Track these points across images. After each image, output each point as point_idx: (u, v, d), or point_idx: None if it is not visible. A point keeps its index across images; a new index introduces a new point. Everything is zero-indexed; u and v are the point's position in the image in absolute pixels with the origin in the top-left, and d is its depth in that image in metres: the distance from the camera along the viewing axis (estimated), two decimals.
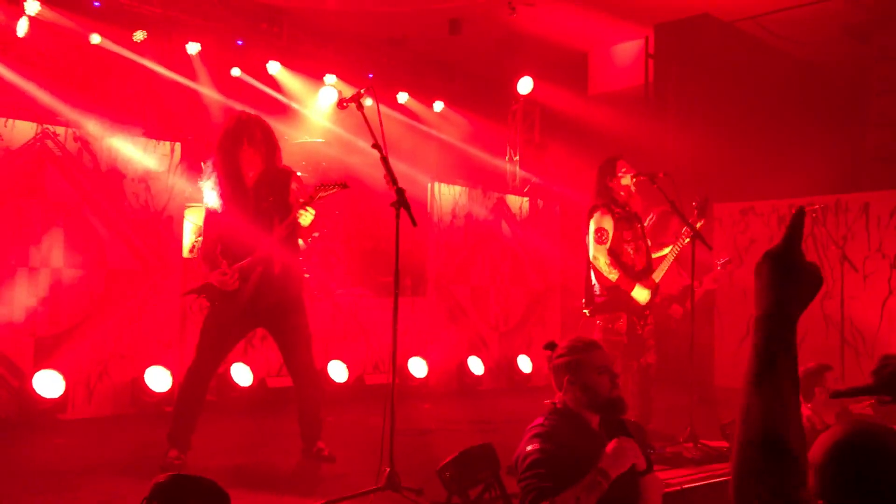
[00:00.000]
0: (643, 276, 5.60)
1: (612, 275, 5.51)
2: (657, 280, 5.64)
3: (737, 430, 1.29)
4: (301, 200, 4.63)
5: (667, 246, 5.92)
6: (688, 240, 5.57)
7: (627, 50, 10.94)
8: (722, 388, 8.60)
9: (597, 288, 5.61)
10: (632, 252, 5.62)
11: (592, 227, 5.59)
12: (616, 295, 5.52)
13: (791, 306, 1.34)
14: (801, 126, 10.00)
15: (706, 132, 9.41)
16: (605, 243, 5.54)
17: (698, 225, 5.61)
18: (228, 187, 4.71)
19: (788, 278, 1.34)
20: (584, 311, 5.72)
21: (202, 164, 4.92)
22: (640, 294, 5.51)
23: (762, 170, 9.40)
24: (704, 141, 9.30)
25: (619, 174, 5.63)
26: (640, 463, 2.93)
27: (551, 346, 3.20)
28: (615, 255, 5.56)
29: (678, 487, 4.42)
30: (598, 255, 5.55)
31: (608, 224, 5.55)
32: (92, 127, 6.41)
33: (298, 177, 4.92)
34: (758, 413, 1.26)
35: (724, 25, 9.90)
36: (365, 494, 3.93)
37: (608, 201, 5.62)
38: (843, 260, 7.03)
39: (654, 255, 5.88)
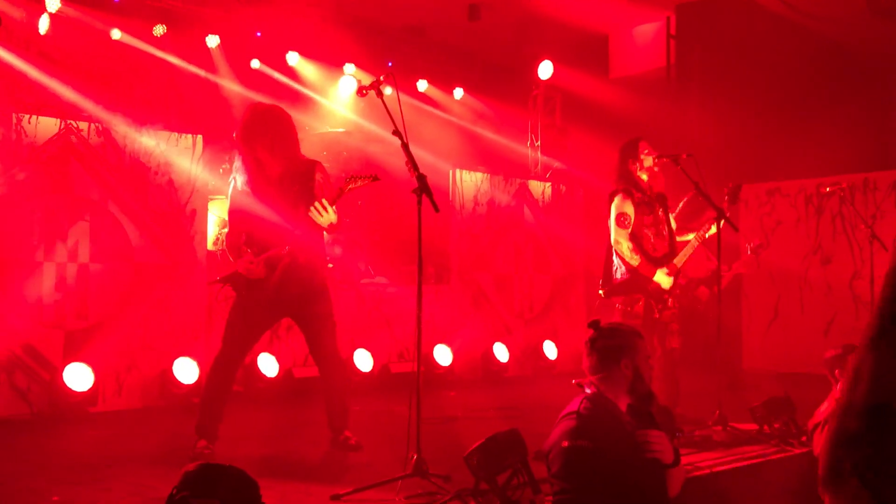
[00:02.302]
0: (664, 262, 5.54)
1: (634, 260, 5.48)
2: (679, 265, 5.57)
3: (842, 392, 1.16)
4: (332, 192, 4.61)
5: (694, 231, 5.84)
6: (714, 229, 5.51)
7: (648, 31, 10.80)
8: (750, 371, 8.53)
9: (618, 271, 5.57)
10: (652, 237, 5.58)
11: (614, 212, 5.56)
12: (636, 277, 5.48)
13: None
14: (827, 105, 9.84)
15: (730, 113, 9.28)
16: (628, 228, 5.50)
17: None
18: (253, 178, 4.73)
19: None
20: (599, 291, 5.71)
21: (228, 156, 4.93)
22: (663, 279, 5.46)
23: (788, 150, 9.27)
24: (729, 122, 9.18)
25: (642, 155, 5.58)
26: (668, 456, 2.91)
27: (596, 324, 3.15)
28: (636, 240, 5.52)
29: (707, 471, 4.39)
30: (621, 240, 5.51)
31: (629, 209, 5.51)
32: (115, 121, 6.46)
33: (324, 167, 4.92)
34: (868, 374, 1.11)
35: (747, 3, 9.75)
36: (393, 481, 3.94)
37: (629, 186, 5.58)
38: (872, 239, 6.91)
39: (680, 239, 5.81)
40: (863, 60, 10.53)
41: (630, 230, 5.51)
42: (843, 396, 1.14)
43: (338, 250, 8.11)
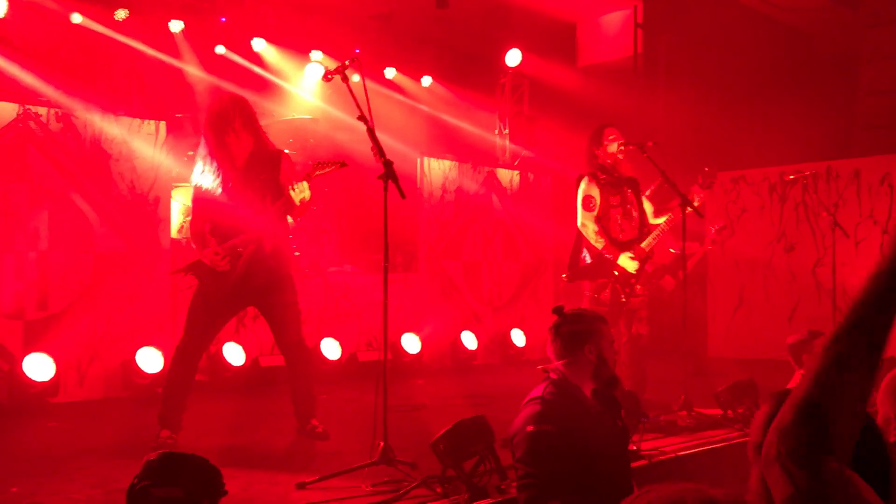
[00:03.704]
0: (630, 246, 5.58)
1: (599, 243, 5.54)
2: (647, 248, 5.61)
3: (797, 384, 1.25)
4: (298, 179, 4.58)
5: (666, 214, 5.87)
6: (666, 219, 5.58)
7: (616, 20, 10.84)
8: (715, 357, 8.64)
9: (587, 257, 5.62)
10: (620, 217, 5.63)
11: (580, 195, 5.64)
12: (602, 262, 5.53)
13: None
14: (792, 94, 9.96)
15: (696, 101, 9.37)
16: (593, 210, 5.56)
17: (696, 203, 5.55)
18: (218, 167, 4.67)
19: None
20: (563, 275, 5.75)
21: (193, 143, 4.87)
22: (627, 263, 5.50)
23: (753, 138, 9.38)
24: (695, 110, 9.26)
25: (606, 142, 5.64)
26: None
27: (560, 310, 3.16)
28: (603, 222, 5.56)
29: (672, 455, 4.43)
30: (587, 223, 5.58)
31: (594, 192, 5.59)
32: (75, 107, 6.32)
33: (289, 156, 4.87)
34: (812, 375, 1.20)
35: None
36: (359, 469, 3.92)
37: (594, 169, 5.65)
38: (834, 227, 7.02)
39: (654, 221, 5.83)
40: (826, 50, 10.67)
41: (596, 213, 5.57)
42: (794, 389, 1.24)
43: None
